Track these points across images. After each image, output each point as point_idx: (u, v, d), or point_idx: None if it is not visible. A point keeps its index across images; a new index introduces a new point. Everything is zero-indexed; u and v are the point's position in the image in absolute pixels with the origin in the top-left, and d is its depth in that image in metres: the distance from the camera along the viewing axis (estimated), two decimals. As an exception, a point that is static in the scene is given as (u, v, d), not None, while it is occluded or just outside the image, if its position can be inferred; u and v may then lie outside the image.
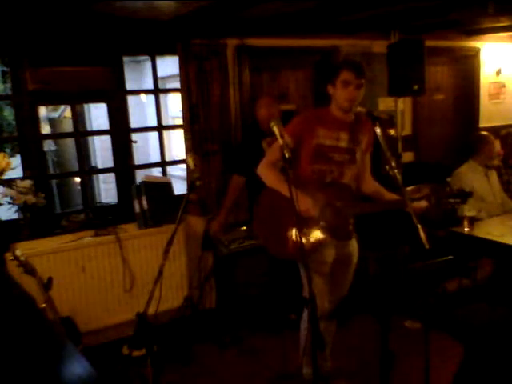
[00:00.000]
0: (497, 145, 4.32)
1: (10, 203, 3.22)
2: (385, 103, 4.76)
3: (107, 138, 3.94)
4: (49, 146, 7.76)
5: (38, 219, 3.35)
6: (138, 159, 4.19)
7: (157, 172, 4.54)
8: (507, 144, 4.47)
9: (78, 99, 3.95)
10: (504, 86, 5.81)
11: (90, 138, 8.01)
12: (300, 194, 2.33)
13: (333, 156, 2.56)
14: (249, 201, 3.83)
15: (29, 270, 2.55)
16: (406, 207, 2.28)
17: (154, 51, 3.84)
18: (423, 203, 2.50)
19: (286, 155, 1.97)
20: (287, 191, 2.13)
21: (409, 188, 2.55)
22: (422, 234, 2.11)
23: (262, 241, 2.70)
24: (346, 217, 2.57)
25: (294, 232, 2.49)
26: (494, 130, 4.71)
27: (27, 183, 3.21)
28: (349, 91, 2.47)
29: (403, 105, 4.78)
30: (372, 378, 2.58)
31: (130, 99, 3.85)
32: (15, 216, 3.41)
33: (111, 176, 4.30)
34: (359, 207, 2.61)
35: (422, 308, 3.07)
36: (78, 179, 6.55)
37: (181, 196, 3.74)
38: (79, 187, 6.49)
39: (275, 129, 2.04)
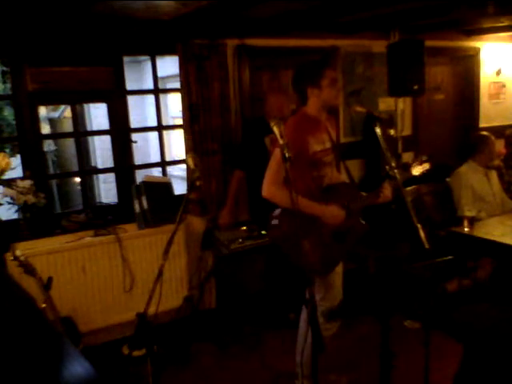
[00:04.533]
0: (498, 145, 4.32)
1: (10, 203, 3.22)
2: (385, 103, 4.76)
3: (107, 138, 3.94)
4: (49, 146, 7.78)
5: (38, 219, 3.35)
6: (137, 159, 4.19)
7: (157, 172, 4.53)
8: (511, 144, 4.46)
9: (78, 99, 3.95)
10: (504, 85, 5.81)
11: (89, 138, 8.00)
12: (323, 205, 2.36)
13: (325, 160, 2.54)
14: (249, 198, 3.83)
15: (29, 270, 2.55)
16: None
17: (154, 51, 3.83)
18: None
19: (287, 155, 1.97)
20: (311, 207, 2.22)
21: (408, 188, 2.55)
22: (421, 233, 2.12)
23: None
24: (358, 215, 2.57)
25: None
26: (494, 130, 4.71)
27: (27, 183, 3.21)
28: (337, 88, 2.44)
29: (403, 105, 4.78)
30: (372, 378, 2.58)
31: (130, 99, 3.85)
32: (15, 216, 3.41)
33: (111, 176, 4.30)
34: (364, 201, 2.61)
35: (422, 308, 3.07)
36: (78, 179, 6.55)
37: (181, 196, 3.74)
38: (79, 187, 6.49)
39: (275, 129, 2.04)
